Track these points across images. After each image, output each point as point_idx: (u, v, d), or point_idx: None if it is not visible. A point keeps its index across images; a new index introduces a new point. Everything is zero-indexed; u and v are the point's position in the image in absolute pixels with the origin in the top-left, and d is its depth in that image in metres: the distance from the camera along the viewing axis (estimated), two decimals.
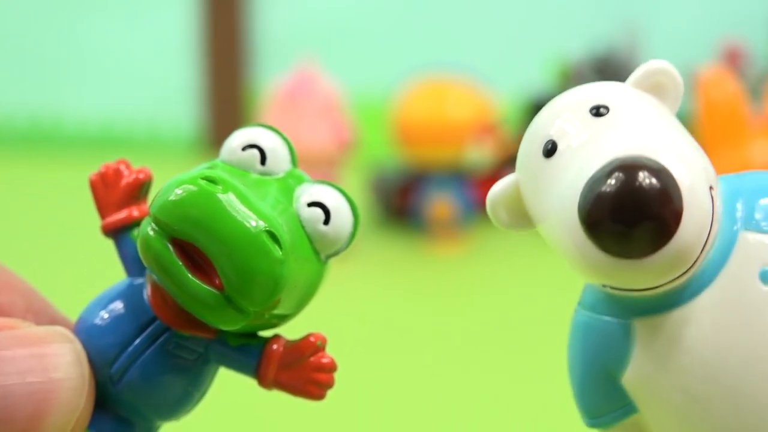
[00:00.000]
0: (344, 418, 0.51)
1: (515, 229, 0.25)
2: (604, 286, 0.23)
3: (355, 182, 0.97)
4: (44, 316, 0.24)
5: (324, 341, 0.23)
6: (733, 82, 0.66)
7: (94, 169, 0.24)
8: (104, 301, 0.23)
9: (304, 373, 0.22)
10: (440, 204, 0.92)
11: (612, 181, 0.21)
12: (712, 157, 0.73)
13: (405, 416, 0.53)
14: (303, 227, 0.22)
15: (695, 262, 0.22)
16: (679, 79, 0.24)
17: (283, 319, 0.23)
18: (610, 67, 1.07)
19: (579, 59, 1.12)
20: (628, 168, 0.21)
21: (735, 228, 0.23)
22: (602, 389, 0.24)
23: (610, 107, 0.23)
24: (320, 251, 0.23)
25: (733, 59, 1.04)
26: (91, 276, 0.51)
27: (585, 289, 0.25)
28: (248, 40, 1.42)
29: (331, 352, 0.23)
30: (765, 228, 0.23)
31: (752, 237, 0.23)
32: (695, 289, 0.22)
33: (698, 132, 0.70)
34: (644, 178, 0.20)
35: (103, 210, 0.24)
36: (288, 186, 0.23)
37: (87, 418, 0.22)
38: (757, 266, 0.22)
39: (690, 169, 0.21)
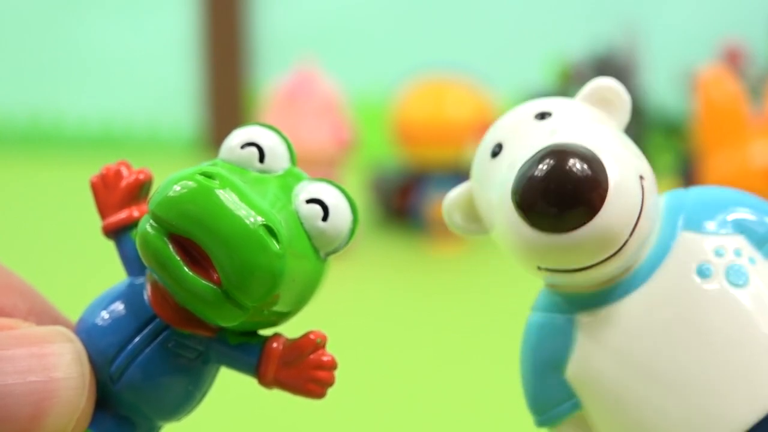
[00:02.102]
0: (345, 417, 0.51)
1: (469, 233, 0.27)
2: (547, 270, 0.23)
3: (355, 182, 0.97)
4: (46, 317, 0.24)
5: (324, 339, 0.23)
6: (733, 82, 0.66)
7: (94, 168, 0.24)
8: (105, 301, 0.23)
9: (304, 371, 0.22)
10: (440, 204, 0.92)
11: (539, 168, 0.22)
12: (713, 157, 0.73)
13: (405, 415, 0.53)
14: (302, 224, 0.22)
15: (623, 246, 0.22)
16: (625, 96, 0.25)
17: (282, 316, 0.23)
18: (610, 67, 1.07)
19: (579, 59, 1.12)
20: (557, 153, 0.22)
21: (676, 226, 0.24)
22: (549, 385, 0.25)
23: (553, 112, 0.25)
24: (319, 248, 0.23)
25: (733, 59, 1.04)
26: (91, 276, 0.51)
27: (538, 295, 0.26)
28: (248, 40, 1.42)
29: (331, 351, 0.23)
30: (704, 229, 0.24)
31: (691, 236, 0.24)
32: (634, 283, 0.24)
33: (698, 132, 0.70)
34: (574, 162, 0.22)
35: (103, 211, 0.24)
36: (287, 184, 0.23)
37: (88, 417, 0.22)
38: (695, 262, 0.23)
39: (618, 158, 0.22)
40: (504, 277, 0.85)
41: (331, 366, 0.23)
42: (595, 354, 0.24)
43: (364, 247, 0.86)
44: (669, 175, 1.01)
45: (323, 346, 0.23)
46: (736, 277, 0.23)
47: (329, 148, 0.88)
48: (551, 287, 0.25)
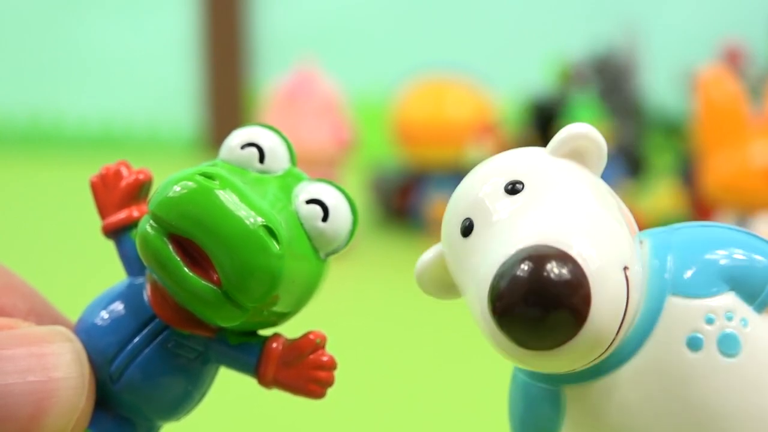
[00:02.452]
0: (344, 417, 0.51)
1: (442, 298, 0.25)
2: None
3: (355, 182, 0.97)
4: (46, 318, 0.24)
5: (324, 339, 0.23)
6: (733, 82, 0.66)
7: (94, 168, 0.24)
8: (104, 301, 0.23)
9: (303, 371, 0.23)
10: (440, 204, 0.92)
11: (516, 275, 0.20)
12: (713, 157, 0.73)
13: (405, 414, 0.53)
14: (302, 224, 0.22)
15: (611, 344, 0.21)
16: (601, 142, 0.23)
17: (282, 317, 0.23)
18: (610, 67, 1.07)
19: (579, 59, 1.12)
20: (534, 259, 0.20)
21: (663, 292, 0.22)
22: None
23: (525, 183, 0.23)
24: (319, 249, 0.23)
25: (733, 59, 1.04)
26: (91, 276, 0.51)
27: None
28: (248, 40, 1.42)
29: (331, 351, 0.23)
30: (692, 292, 0.22)
31: (679, 302, 0.22)
32: (622, 357, 0.22)
33: (698, 132, 0.70)
34: (550, 268, 0.20)
35: (103, 211, 0.24)
36: (287, 184, 0.23)
37: (87, 417, 0.22)
38: (684, 333, 0.22)
39: (600, 250, 0.21)
40: None
41: (331, 366, 0.23)
42: (588, 428, 0.23)
43: (364, 247, 0.86)
44: (669, 175, 1.01)
45: (323, 347, 0.23)
46: (728, 347, 0.22)
47: (329, 148, 0.88)
48: None
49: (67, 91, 1.44)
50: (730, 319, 0.22)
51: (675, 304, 0.22)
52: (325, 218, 0.22)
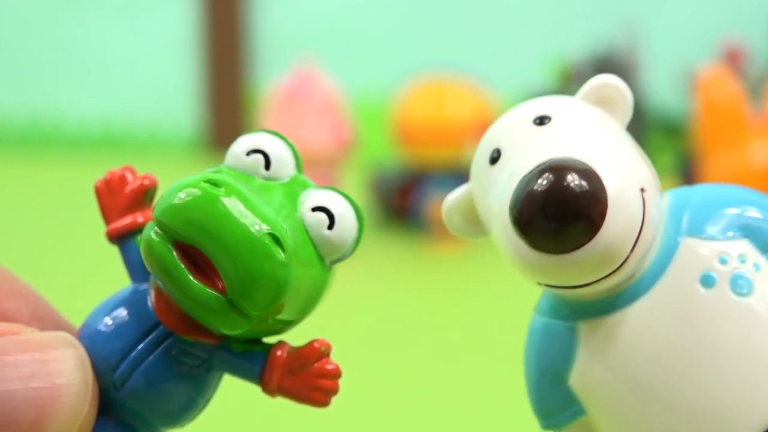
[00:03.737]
0: (345, 417, 0.51)
1: (469, 236, 0.26)
2: (546, 285, 0.23)
3: (355, 182, 0.97)
4: (49, 322, 0.24)
5: (328, 348, 0.23)
6: (733, 82, 0.66)
7: (94, 168, 0.24)
8: (108, 307, 0.23)
9: (308, 379, 0.22)
10: (440, 204, 0.92)
11: (538, 183, 0.21)
12: (713, 157, 0.73)
13: (406, 414, 0.53)
14: (307, 232, 0.22)
15: (625, 261, 0.22)
16: (626, 92, 0.25)
17: (287, 324, 0.23)
18: (610, 67, 1.07)
19: (579, 59, 1.12)
20: (555, 170, 0.21)
21: (678, 233, 0.23)
22: (553, 391, 0.24)
23: (552, 117, 0.24)
24: (324, 256, 0.23)
25: (733, 59, 1.04)
26: (92, 277, 0.51)
27: (542, 296, 0.25)
28: (248, 40, 1.42)
29: (331, 353, 0.23)
30: (707, 234, 0.23)
31: (694, 243, 0.23)
32: (636, 292, 0.23)
33: (698, 132, 0.70)
34: (571, 179, 0.21)
35: (107, 216, 0.24)
36: (292, 191, 0.23)
37: (90, 424, 0.22)
38: (699, 270, 0.23)
39: (619, 171, 0.22)
40: (504, 276, 0.85)
41: (335, 375, 0.22)
42: (597, 364, 0.23)
43: (364, 247, 0.86)
44: (669, 175, 1.01)
45: (327, 355, 0.23)
46: (740, 286, 0.23)
47: (329, 148, 0.88)
48: (551, 291, 0.25)
49: (67, 91, 1.44)
50: (743, 261, 0.23)
51: (690, 244, 0.23)
52: (330, 226, 0.22)
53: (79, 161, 1.30)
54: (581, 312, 0.24)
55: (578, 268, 0.22)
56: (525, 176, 0.22)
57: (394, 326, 0.70)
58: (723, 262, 0.23)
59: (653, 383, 0.23)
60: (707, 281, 0.23)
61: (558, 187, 0.21)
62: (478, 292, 0.80)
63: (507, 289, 0.80)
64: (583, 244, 0.21)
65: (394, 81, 1.07)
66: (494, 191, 0.24)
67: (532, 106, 0.25)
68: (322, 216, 0.22)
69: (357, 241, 0.23)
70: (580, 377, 0.24)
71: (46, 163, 1.35)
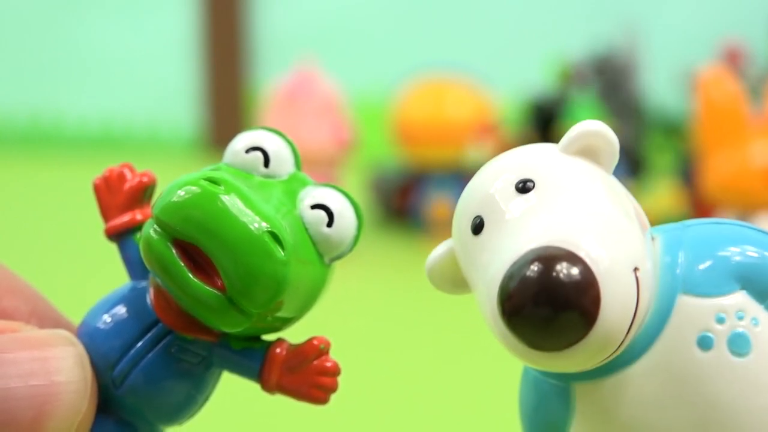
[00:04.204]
0: (345, 417, 0.51)
1: (453, 293, 0.25)
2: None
3: (355, 182, 0.97)
4: (48, 320, 0.24)
5: (327, 345, 0.23)
6: (733, 82, 0.66)
7: (94, 168, 0.24)
8: (107, 305, 0.23)
9: (307, 377, 0.22)
10: (440, 204, 0.92)
11: (526, 275, 0.20)
12: (713, 157, 0.73)
13: (405, 415, 0.53)
14: (306, 230, 0.22)
15: (620, 345, 0.21)
16: (613, 139, 0.23)
17: (286, 322, 0.23)
18: (610, 67, 1.07)
19: (579, 59, 1.12)
20: (543, 259, 0.20)
21: (674, 291, 0.22)
22: None
23: (536, 181, 0.23)
24: (324, 254, 0.23)
25: (733, 59, 1.04)
26: (92, 276, 0.51)
27: None
28: (248, 40, 1.42)
29: (330, 351, 0.23)
30: (703, 291, 0.22)
31: (690, 301, 0.22)
32: (632, 354, 0.22)
33: (698, 132, 0.70)
34: (560, 269, 0.20)
35: (106, 213, 0.24)
36: (292, 189, 0.23)
37: (89, 421, 0.22)
38: (695, 332, 0.22)
39: (610, 251, 0.21)
40: None
41: (335, 372, 0.22)
42: (598, 424, 0.23)
43: (364, 247, 0.86)
44: (669, 175, 1.01)
45: (326, 352, 0.23)
46: (738, 346, 0.22)
47: (329, 148, 0.88)
48: None
49: (67, 91, 1.44)
50: (740, 318, 0.22)
51: (686, 302, 0.22)
52: (330, 223, 0.22)
53: (79, 161, 1.30)
54: (575, 375, 0.23)
55: (573, 360, 0.21)
56: (511, 266, 0.21)
57: (394, 326, 0.70)
58: (720, 321, 0.22)
59: None
60: (705, 343, 0.22)
61: (547, 278, 0.20)
62: None
63: None
64: (579, 340, 0.20)
65: (394, 81, 1.07)
66: (479, 266, 0.22)
67: (513, 167, 0.23)
68: (321, 213, 0.22)
69: (356, 239, 0.23)
70: None
71: (46, 163, 1.35)
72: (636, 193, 0.91)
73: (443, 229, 0.92)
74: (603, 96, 1.01)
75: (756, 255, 0.23)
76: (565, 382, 0.23)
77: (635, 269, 0.21)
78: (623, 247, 0.21)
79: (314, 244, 0.22)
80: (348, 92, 0.96)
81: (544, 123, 0.94)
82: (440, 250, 0.25)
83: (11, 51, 1.45)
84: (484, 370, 0.60)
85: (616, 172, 0.24)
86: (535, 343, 0.21)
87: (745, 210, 0.65)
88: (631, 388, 0.22)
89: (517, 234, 0.22)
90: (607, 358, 0.22)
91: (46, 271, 0.74)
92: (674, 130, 1.14)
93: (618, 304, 0.21)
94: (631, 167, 0.93)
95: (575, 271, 0.20)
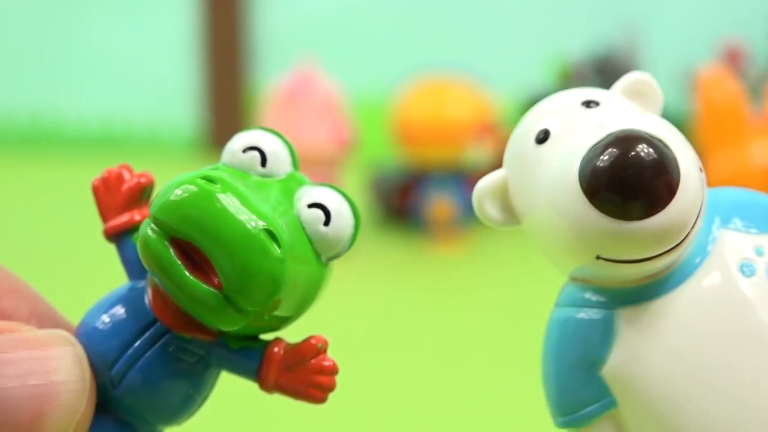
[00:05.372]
0: (344, 418, 0.51)
1: (501, 224, 0.25)
2: (597, 257, 0.23)
3: (355, 182, 0.97)
4: (48, 321, 0.24)
5: (325, 344, 0.23)
6: (733, 82, 0.66)
7: (94, 168, 0.24)
8: (105, 305, 0.23)
9: (305, 376, 0.22)
10: (440, 204, 0.92)
11: (612, 150, 0.22)
12: (712, 157, 0.73)
13: (406, 415, 0.53)
14: (303, 229, 0.22)
15: (686, 237, 0.22)
16: (659, 89, 0.25)
17: (284, 321, 0.23)
18: (610, 67, 1.07)
19: (579, 59, 1.12)
20: (626, 139, 0.22)
21: (713, 226, 0.24)
22: (583, 383, 0.24)
23: (600, 102, 0.24)
24: (321, 253, 0.23)
25: (733, 59, 1.04)
26: (91, 276, 0.51)
27: (563, 290, 0.25)
28: (248, 40, 1.42)
29: (330, 351, 0.23)
30: (742, 227, 0.24)
31: (730, 234, 0.24)
32: (677, 279, 0.23)
33: (698, 132, 0.70)
34: (645, 149, 0.21)
35: (105, 214, 0.24)
36: (289, 188, 0.23)
37: (88, 421, 0.22)
38: (737, 260, 0.23)
39: (681, 150, 0.22)
40: (504, 276, 0.85)
41: (332, 371, 0.22)
42: (643, 350, 0.23)
43: (364, 247, 0.86)
44: None
45: (324, 351, 0.23)
46: None
47: (329, 148, 0.88)
48: (584, 282, 0.24)
49: (67, 91, 1.44)
50: None
51: (726, 236, 0.24)
52: (327, 222, 0.22)
53: (79, 161, 1.30)
54: (621, 299, 0.23)
55: (645, 238, 0.22)
56: (595, 145, 0.22)
57: (394, 326, 0.70)
58: (759, 253, 0.23)
59: (701, 370, 0.23)
60: (747, 270, 0.23)
61: (632, 157, 0.21)
62: (478, 292, 0.80)
63: (507, 289, 0.80)
64: (654, 212, 0.21)
65: (394, 81, 1.07)
66: (544, 169, 0.23)
67: (576, 93, 0.25)
68: (318, 212, 0.22)
69: (353, 238, 0.23)
70: (621, 364, 0.23)
71: (46, 163, 1.35)
72: None
73: (443, 229, 0.92)
74: None
75: None
76: (610, 308, 0.24)
77: (700, 168, 0.23)
78: (690, 149, 0.23)
79: (311, 243, 0.22)
80: (348, 92, 0.96)
81: None
82: (490, 177, 0.25)
83: (11, 51, 1.45)
84: (484, 370, 0.60)
85: None
86: (622, 207, 0.21)
87: None
88: (676, 312, 0.23)
89: (589, 135, 0.22)
90: (672, 250, 0.22)
91: (46, 271, 0.74)
92: None
93: (691, 190, 0.22)
94: None
95: (654, 149, 0.22)
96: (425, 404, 0.55)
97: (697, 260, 0.23)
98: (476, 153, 0.92)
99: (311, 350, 0.23)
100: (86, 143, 1.42)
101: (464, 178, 0.93)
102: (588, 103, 0.24)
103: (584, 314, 0.24)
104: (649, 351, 0.23)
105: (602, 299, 0.24)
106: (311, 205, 0.23)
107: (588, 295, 0.24)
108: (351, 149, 0.91)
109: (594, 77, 1.04)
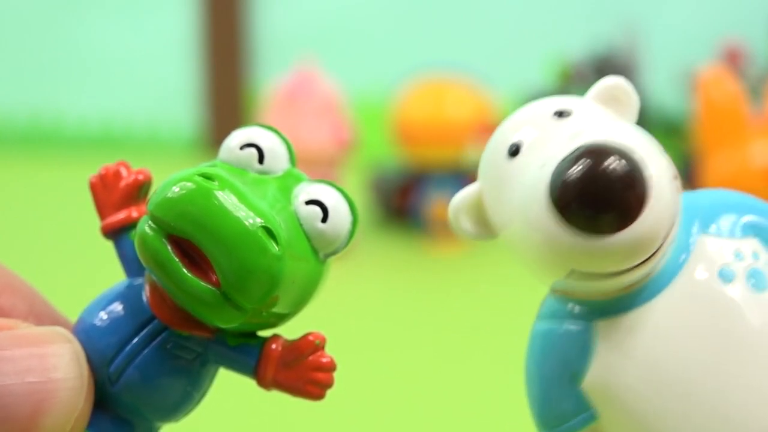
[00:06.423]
0: (344, 418, 0.51)
1: (477, 237, 0.25)
2: (569, 272, 0.23)
3: (355, 182, 0.97)
4: (46, 318, 0.24)
5: (323, 340, 0.23)
6: (733, 82, 0.66)
7: (94, 168, 0.24)
8: (103, 302, 0.23)
9: (303, 372, 0.22)
10: (440, 204, 0.92)
11: (581, 164, 0.21)
12: (712, 157, 0.73)
13: (405, 415, 0.53)
14: (301, 225, 0.22)
15: (657, 250, 0.22)
16: (633, 94, 0.25)
17: (281, 318, 0.23)
18: (610, 67, 1.07)
19: (579, 59, 1.12)
20: (596, 152, 0.21)
21: (693, 233, 0.23)
22: (561, 397, 0.24)
23: (572, 111, 0.24)
24: (319, 250, 0.23)
25: (733, 59, 1.04)
26: (90, 276, 0.51)
27: (543, 302, 0.25)
28: (248, 40, 1.42)
29: (330, 351, 0.23)
30: (721, 232, 0.23)
31: (710, 240, 0.23)
32: (655, 289, 0.23)
33: (698, 132, 0.70)
34: (613, 161, 0.21)
35: (102, 211, 0.24)
36: (286, 185, 0.23)
37: (86, 418, 0.22)
38: (717, 266, 0.23)
39: (652, 157, 0.22)
40: (504, 277, 0.85)
41: (330, 368, 0.22)
42: (620, 362, 0.23)
43: (364, 247, 0.86)
44: None
45: (322, 348, 0.23)
46: (757, 281, 0.23)
47: (329, 148, 0.88)
48: (564, 294, 0.24)
49: (67, 91, 1.44)
50: (756, 258, 0.23)
51: (705, 241, 0.23)
52: (324, 219, 0.22)
53: (79, 161, 1.30)
54: (599, 311, 0.23)
55: (614, 253, 0.21)
56: (564, 159, 0.21)
57: (393, 326, 0.70)
58: (738, 257, 0.23)
59: (679, 381, 0.22)
60: (726, 276, 0.23)
61: (600, 170, 0.21)
62: (478, 293, 0.80)
63: (507, 289, 0.80)
64: (625, 226, 0.21)
65: (394, 81, 1.07)
66: (517, 183, 0.23)
67: (548, 103, 0.24)
68: (316, 209, 0.22)
69: (351, 235, 0.23)
70: (599, 377, 0.23)
71: (46, 163, 1.35)
72: None
73: (443, 229, 0.92)
74: None
75: (764, 218, 0.24)
76: (588, 320, 0.23)
77: (674, 177, 0.22)
78: (662, 157, 0.23)
79: (309, 239, 0.22)
80: (348, 92, 0.96)
81: None
82: (465, 191, 0.25)
83: (11, 51, 1.45)
84: (483, 370, 0.60)
85: None
86: (593, 221, 0.21)
87: None
88: (654, 321, 0.23)
89: (560, 146, 0.22)
90: (641, 265, 0.22)
91: (46, 270, 0.74)
92: (674, 130, 1.14)
93: (662, 200, 0.21)
94: None
95: (624, 162, 0.21)
96: (424, 403, 0.55)
97: (676, 268, 0.23)
98: (476, 153, 0.92)
99: (309, 347, 0.22)
100: (86, 143, 1.42)
101: (464, 178, 0.93)
102: (560, 114, 0.24)
103: (563, 327, 0.24)
104: (626, 363, 0.23)
105: (581, 311, 0.24)
106: (309, 202, 0.22)
107: (568, 307, 0.24)
108: (351, 149, 0.91)
109: (594, 77, 1.04)
